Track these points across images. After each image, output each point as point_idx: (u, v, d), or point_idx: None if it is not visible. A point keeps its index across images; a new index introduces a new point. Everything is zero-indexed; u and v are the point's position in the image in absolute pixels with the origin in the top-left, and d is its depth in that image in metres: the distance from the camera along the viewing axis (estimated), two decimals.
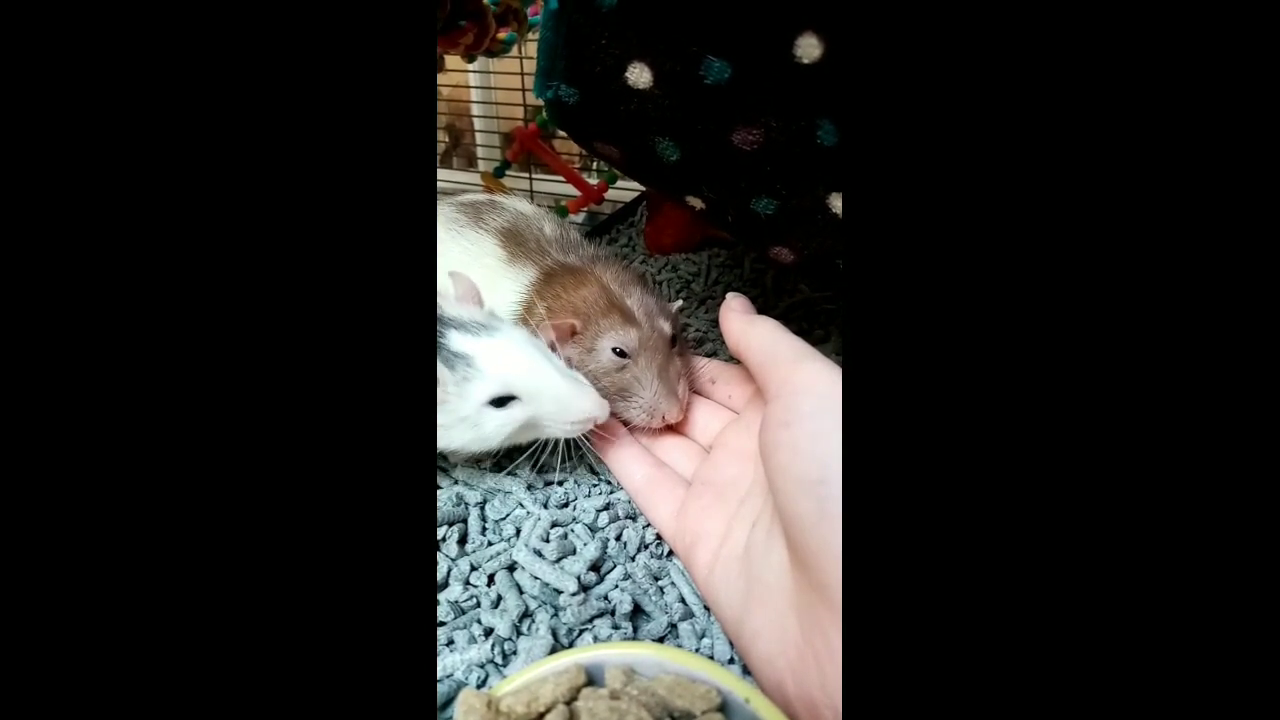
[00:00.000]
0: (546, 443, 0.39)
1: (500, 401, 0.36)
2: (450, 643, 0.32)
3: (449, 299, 0.38)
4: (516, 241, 0.48)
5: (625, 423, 0.41)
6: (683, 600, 0.34)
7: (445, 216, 0.50)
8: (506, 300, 0.45)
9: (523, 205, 0.52)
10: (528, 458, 0.40)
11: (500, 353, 0.36)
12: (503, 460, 0.43)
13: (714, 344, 0.55)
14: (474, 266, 0.46)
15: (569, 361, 0.40)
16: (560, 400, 0.36)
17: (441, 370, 0.35)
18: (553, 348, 0.40)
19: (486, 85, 1.18)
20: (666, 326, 0.41)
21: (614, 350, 0.40)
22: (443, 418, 0.35)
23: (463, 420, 0.36)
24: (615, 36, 0.33)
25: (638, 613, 0.33)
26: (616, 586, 0.34)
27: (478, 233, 0.49)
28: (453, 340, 0.36)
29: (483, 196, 0.55)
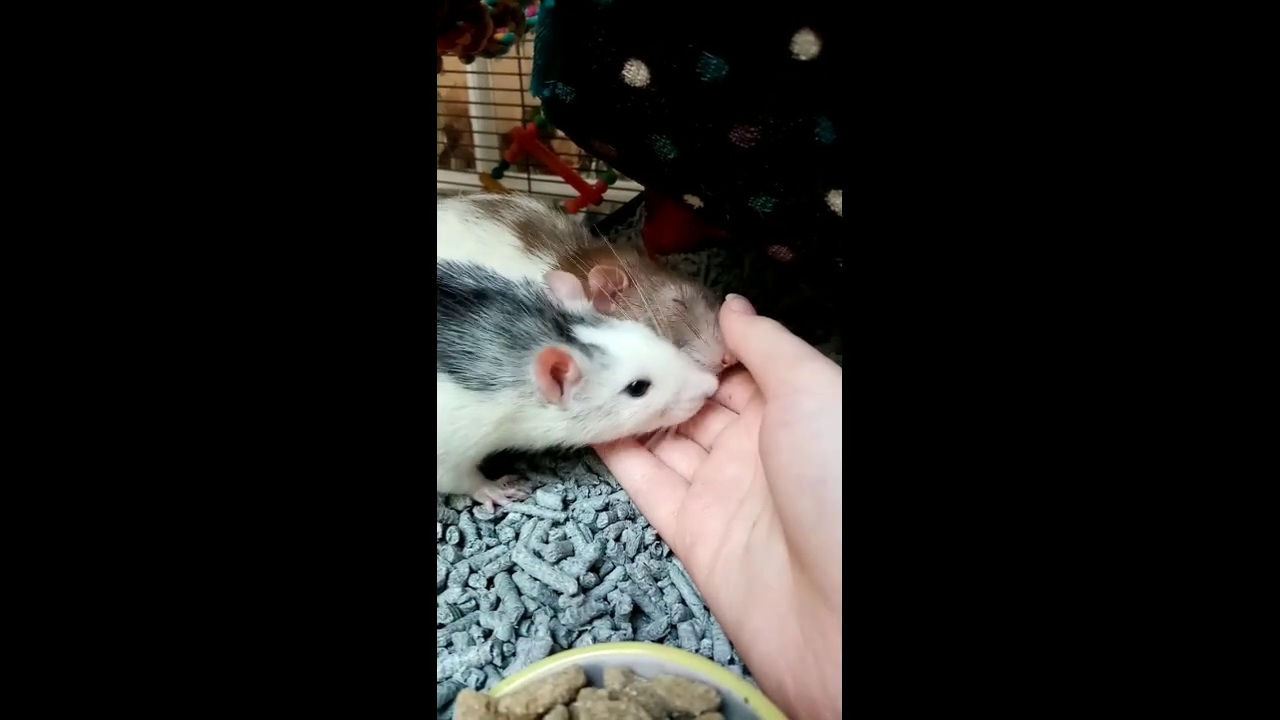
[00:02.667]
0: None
1: (636, 389, 0.36)
2: (449, 645, 0.32)
3: (558, 298, 0.39)
4: (532, 233, 0.49)
5: None
6: (682, 601, 0.34)
7: (461, 211, 0.51)
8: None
9: (536, 204, 0.54)
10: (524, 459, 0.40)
11: (630, 341, 0.37)
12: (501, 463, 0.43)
13: None
14: (491, 256, 0.46)
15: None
16: (688, 381, 0.38)
17: (581, 359, 0.35)
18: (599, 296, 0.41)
19: (484, 86, 1.18)
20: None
21: (673, 299, 0.41)
22: (577, 407, 0.36)
23: (597, 409, 0.36)
24: (612, 34, 0.32)
25: (637, 614, 0.33)
26: (616, 587, 0.34)
27: (495, 223, 0.50)
28: (581, 333, 0.37)
29: (497, 196, 0.56)
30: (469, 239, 0.49)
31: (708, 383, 0.38)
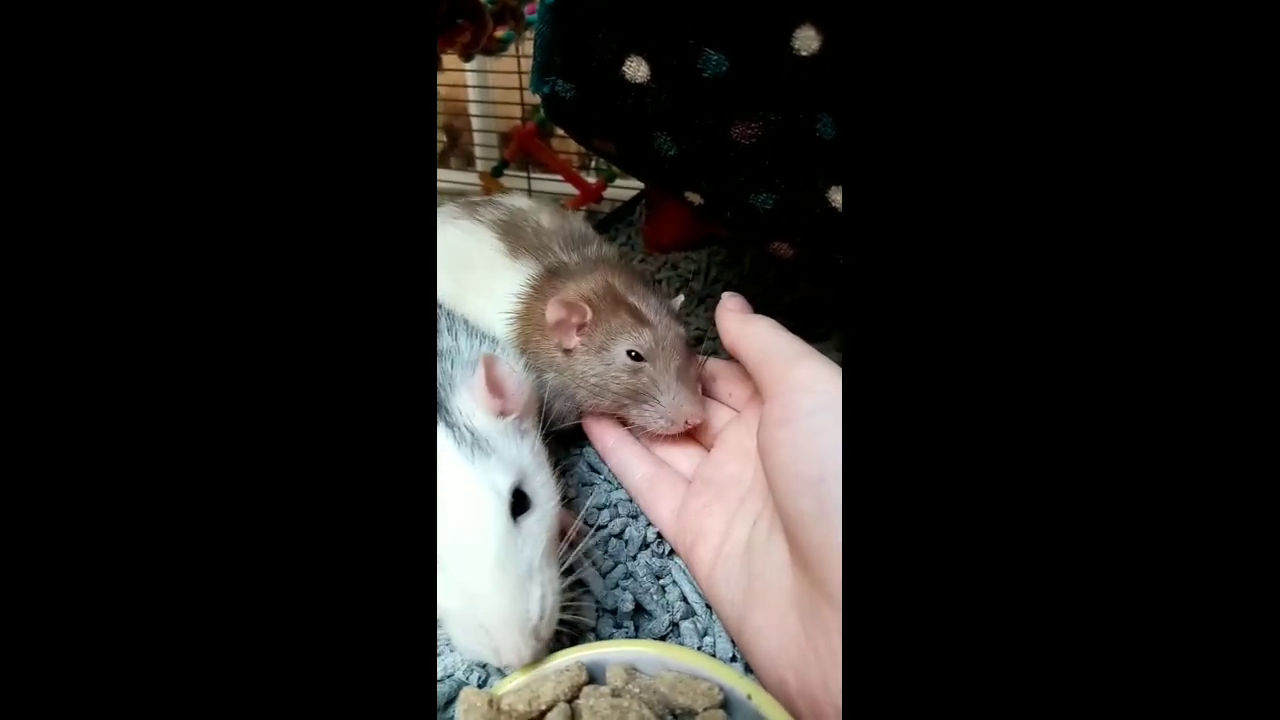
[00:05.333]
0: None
1: None
2: (450, 643, 0.31)
3: (464, 392, 0.30)
4: (514, 235, 0.46)
5: (623, 423, 0.41)
6: (684, 599, 0.34)
7: (441, 214, 0.49)
8: (506, 296, 0.42)
9: (519, 200, 0.51)
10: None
11: (471, 500, 0.26)
12: None
13: (713, 342, 0.54)
14: (475, 261, 0.44)
15: (570, 354, 0.38)
16: (483, 624, 0.25)
17: (446, 448, 0.27)
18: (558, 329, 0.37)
19: (484, 84, 1.18)
20: (681, 328, 0.39)
21: (628, 353, 0.37)
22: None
23: None
24: (612, 30, 0.32)
25: (639, 611, 0.33)
26: (618, 585, 0.34)
27: (473, 222, 0.47)
28: (443, 440, 0.28)
29: (478, 196, 0.55)
30: (454, 244, 0.46)
31: (512, 655, 0.25)
